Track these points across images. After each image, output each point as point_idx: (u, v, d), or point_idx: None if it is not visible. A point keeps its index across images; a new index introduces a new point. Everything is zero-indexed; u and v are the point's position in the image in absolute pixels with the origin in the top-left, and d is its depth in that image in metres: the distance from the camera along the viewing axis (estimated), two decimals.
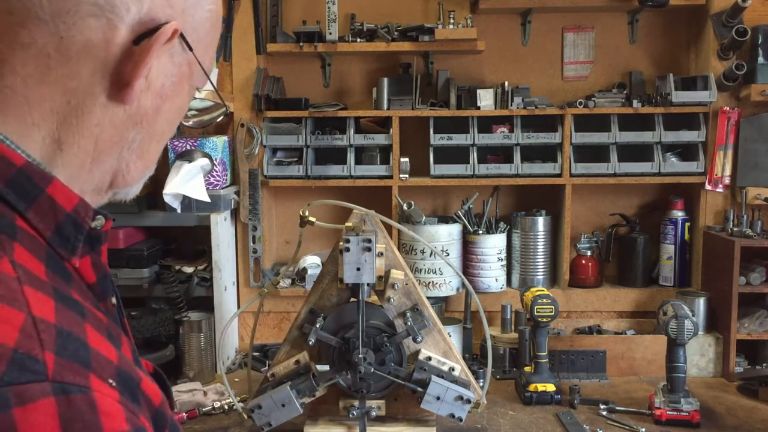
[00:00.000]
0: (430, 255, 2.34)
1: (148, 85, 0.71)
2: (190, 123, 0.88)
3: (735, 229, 2.28)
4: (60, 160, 0.69)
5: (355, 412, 1.77)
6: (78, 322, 0.61)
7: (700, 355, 2.27)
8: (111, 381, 0.59)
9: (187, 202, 2.24)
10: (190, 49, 0.73)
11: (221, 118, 0.85)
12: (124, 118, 0.71)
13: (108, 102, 0.69)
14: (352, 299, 1.76)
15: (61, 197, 0.67)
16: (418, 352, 1.76)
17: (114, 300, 0.76)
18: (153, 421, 0.64)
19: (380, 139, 2.44)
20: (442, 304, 2.44)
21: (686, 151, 2.45)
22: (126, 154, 0.74)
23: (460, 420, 1.74)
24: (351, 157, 2.45)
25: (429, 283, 2.37)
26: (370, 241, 1.68)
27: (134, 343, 0.86)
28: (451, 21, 2.37)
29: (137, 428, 0.59)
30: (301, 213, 1.76)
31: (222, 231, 2.32)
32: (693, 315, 1.94)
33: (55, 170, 0.68)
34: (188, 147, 2.28)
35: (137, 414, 0.61)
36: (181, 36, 0.71)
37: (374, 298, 1.80)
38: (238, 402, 1.89)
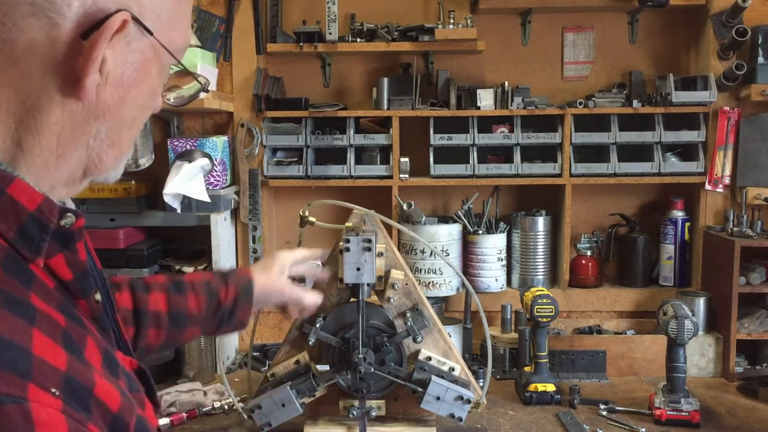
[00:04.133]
0: (430, 255, 2.34)
1: (105, 78, 0.69)
2: (171, 100, 0.86)
3: (735, 229, 2.28)
4: (23, 161, 0.68)
5: (355, 412, 1.77)
6: (23, 329, 0.60)
7: (700, 355, 2.27)
8: (54, 390, 0.58)
9: (187, 202, 2.24)
10: (150, 33, 0.71)
11: (201, 94, 0.83)
12: (84, 113, 0.70)
13: (64, 99, 0.68)
14: (352, 299, 1.76)
15: (23, 197, 0.66)
16: (418, 352, 1.76)
17: (98, 296, 0.74)
18: (110, 428, 0.63)
19: (380, 139, 2.44)
20: (442, 304, 2.44)
21: (686, 151, 2.45)
22: (94, 144, 0.72)
23: (460, 420, 1.74)
24: (351, 157, 2.45)
25: (429, 283, 2.37)
26: (370, 241, 1.68)
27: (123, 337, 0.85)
28: (451, 21, 2.37)
29: None
30: (301, 213, 1.76)
31: (222, 231, 2.32)
32: (693, 315, 1.94)
33: (20, 171, 0.67)
34: (188, 147, 2.28)
35: (85, 423, 0.59)
36: (138, 22, 0.69)
37: (374, 298, 1.80)
38: (238, 402, 1.89)
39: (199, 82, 0.88)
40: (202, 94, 0.91)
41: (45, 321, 0.62)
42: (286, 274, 1.50)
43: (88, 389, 0.62)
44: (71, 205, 0.74)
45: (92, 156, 0.73)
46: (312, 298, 1.52)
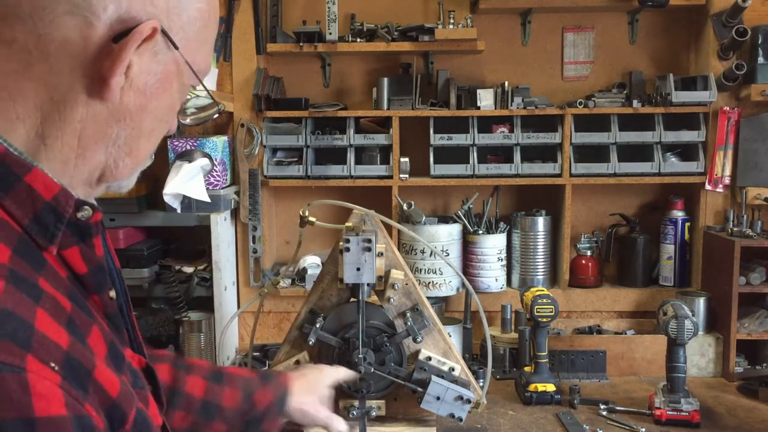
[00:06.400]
0: (430, 255, 2.34)
1: (130, 83, 0.71)
2: (188, 121, 0.88)
3: (735, 229, 2.28)
4: (44, 155, 0.69)
5: (355, 412, 1.77)
6: (28, 305, 0.61)
7: (700, 355, 2.27)
8: (53, 365, 0.59)
9: (187, 202, 2.24)
10: (176, 47, 0.73)
11: (217, 115, 0.86)
12: (106, 115, 0.71)
13: (89, 99, 0.70)
14: (352, 299, 1.76)
15: (40, 186, 0.67)
16: (418, 352, 1.76)
17: (113, 294, 0.75)
18: (107, 412, 0.64)
19: (380, 139, 2.44)
20: (442, 304, 2.44)
21: (686, 151, 2.45)
22: (113, 150, 0.74)
23: (460, 420, 1.74)
24: (351, 157, 2.45)
25: (429, 283, 2.37)
26: (370, 241, 1.68)
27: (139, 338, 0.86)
28: (451, 21, 2.37)
29: (78, 415, 0.59)
30: (301, 213, 1.76)
31: (222, 231, 2.32)
32: (693, 315, 1.94)
33: (40, 164, 0.69)
34: (188, 147, 2.28)
35: (82, 401, 0.60)
36: (165, 34, 0.72)
37: (374, 298, 1.80)
38: None
39: (218, 106, 0.90)
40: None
41: (50, 302, 0.64)
42: (325, 401, 1.50)
43: (87, 370, 0.63)
44: (93, 202, 0.76)
45: (109, 162, 0.75)
46: (340, 429, 1.50)
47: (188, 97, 0.84)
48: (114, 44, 0.68)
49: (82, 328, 0.66)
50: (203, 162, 2.23)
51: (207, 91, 0.84)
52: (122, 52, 0.68)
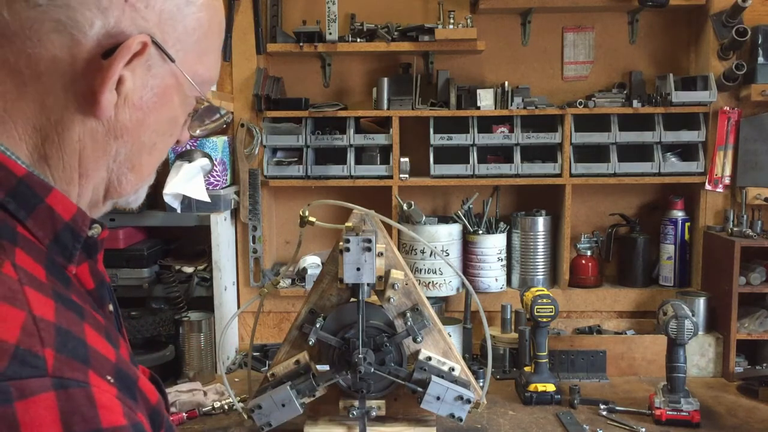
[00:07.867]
0: (430, 255, 2.34)
1: (123, 98, 0.70)
2: (198, 132, 0.88)
3: (735, 229, 2.28)
4: (50, 176, 0.70)
5: (355, 412, 1.77)
6: (77, 321, 0.62)
7: (700, 355, 2.27)
8: (109, 378, 0.61)
9: (187, 202, 2.24)
10: (172, 60, 0.72)
11: (224, 123, 0.85)
12: (103, 132, 0.71)
13: (84, 117, 0.69)
14: (352, 299, 1.76)
15: (60, 207, 0.68)
16: (418, 352, 1.76)
17: (111, 307, 0.77)
18: (150, 419, 0.65)
19: (380, 139, 2.44)
20: (442, 304, 2.44)
21: (686, 151, 2.45)
22: (114, 166, 0.74)
23: (460, 420, 1.74)
24: (351, 157, 2.45)
25: (429, 283, 2.37)
26: (370, 241, 1.68)
27: (131, 346, 0.88)
28: (451, 21, 2.37)
29: (135, 423, 0.61)
30: (301, 213, 1.77)
31: (222, 231, 2.32)
32: (693, 315, 1.94)
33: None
34: (188, 147, 2.28)
35: (134, 410, 0.62)
36: (159, 47, 0.71)
37: (374, 298, 1.80)
38: (238, 402, 1.89)
39: (222, 116, 0.89)
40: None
41: (90, 317, 0.65)
42: None
43: (133, 380, 0.65)
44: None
45: (112, 178, 0.75)
46: None
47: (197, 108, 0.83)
48: (104, 60, 0.67)
49: (115, 341, 0.67)
50: (203, 162, 2.23)
51: (209, 103, 0.82)
52: (110, 68, 0.67)
